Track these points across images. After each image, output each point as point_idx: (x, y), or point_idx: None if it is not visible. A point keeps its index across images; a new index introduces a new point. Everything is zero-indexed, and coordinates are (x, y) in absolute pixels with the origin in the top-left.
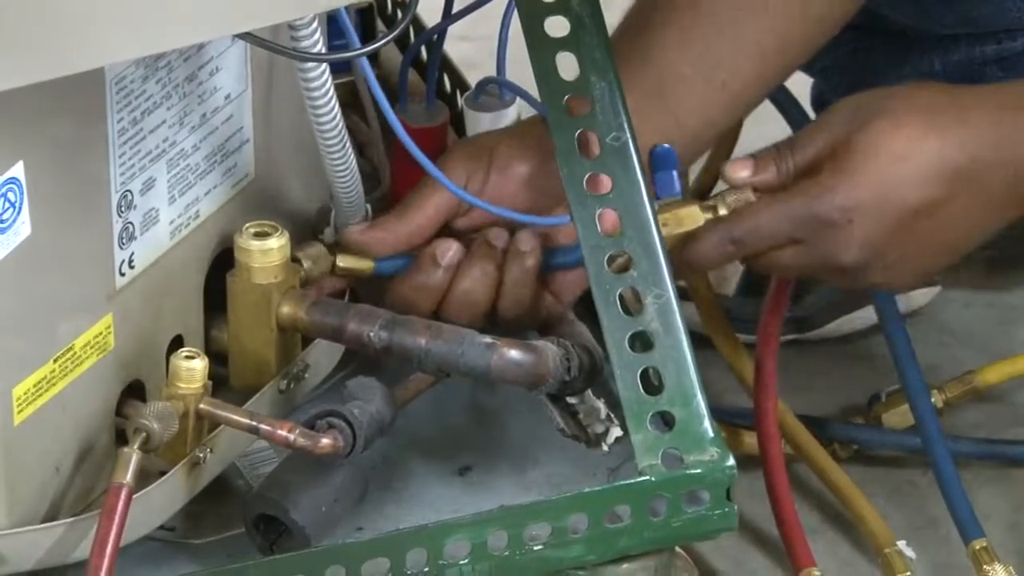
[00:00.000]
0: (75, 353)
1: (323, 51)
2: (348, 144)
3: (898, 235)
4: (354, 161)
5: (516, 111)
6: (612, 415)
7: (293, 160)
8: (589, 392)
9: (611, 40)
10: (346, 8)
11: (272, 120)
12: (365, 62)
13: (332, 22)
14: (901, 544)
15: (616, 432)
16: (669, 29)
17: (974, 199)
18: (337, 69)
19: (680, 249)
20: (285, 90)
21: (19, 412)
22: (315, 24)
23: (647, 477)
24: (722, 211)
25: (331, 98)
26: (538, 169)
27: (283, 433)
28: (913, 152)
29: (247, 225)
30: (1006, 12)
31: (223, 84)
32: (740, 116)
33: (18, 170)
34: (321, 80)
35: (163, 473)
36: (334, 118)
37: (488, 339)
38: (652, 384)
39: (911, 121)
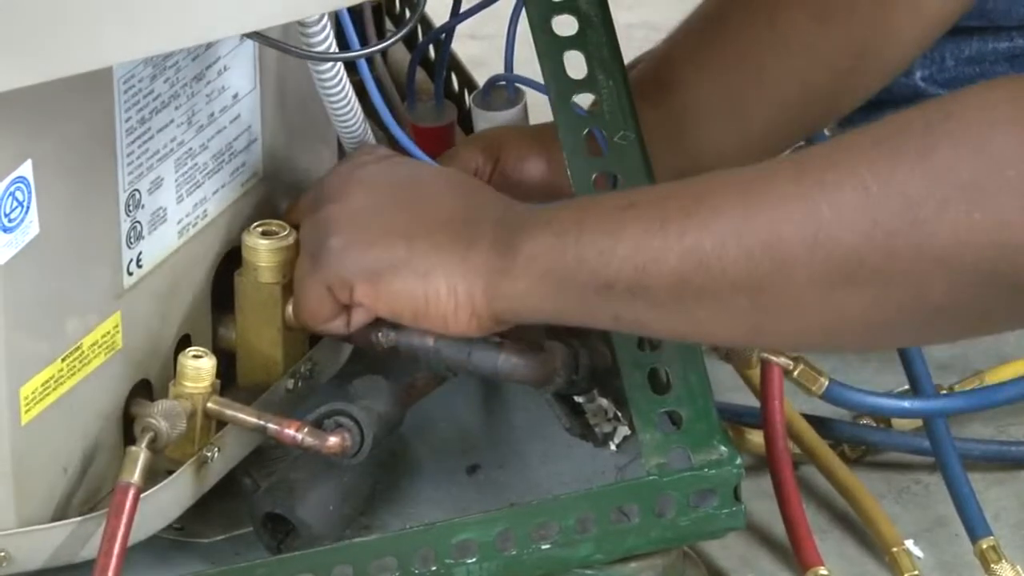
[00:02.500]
0: (83, 352)
1: (333, 50)
2: (371, 139)
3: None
4: None
5: (524, 110)
6: (619, 414)
7: (301, 159)
8: (596, 391)
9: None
10: (348, 9)
11: (280, 119)
12: (363, 63)
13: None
14: (909, 543)
15: (624, 431)
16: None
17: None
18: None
19: None
20: (294, 89)
21: (27, 412)
22: (324, 22)
23: (655, 476)
24: None
25: (348, 95)
26: (545, 169)
27: (291, 432)
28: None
29: (255, 224)
30: (1020, 6)
31: (231, 83)
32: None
33: (26, 169)
34: (337, 79)
35: (170, 472)
36: (354, 114)
37: (496, 339)
38: (660, 383)
39: None
